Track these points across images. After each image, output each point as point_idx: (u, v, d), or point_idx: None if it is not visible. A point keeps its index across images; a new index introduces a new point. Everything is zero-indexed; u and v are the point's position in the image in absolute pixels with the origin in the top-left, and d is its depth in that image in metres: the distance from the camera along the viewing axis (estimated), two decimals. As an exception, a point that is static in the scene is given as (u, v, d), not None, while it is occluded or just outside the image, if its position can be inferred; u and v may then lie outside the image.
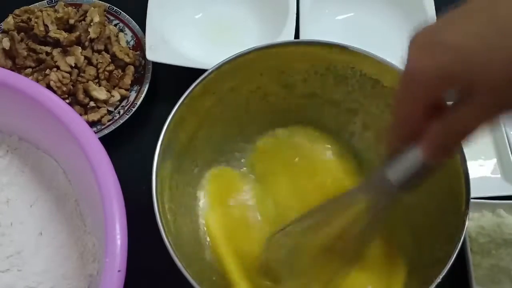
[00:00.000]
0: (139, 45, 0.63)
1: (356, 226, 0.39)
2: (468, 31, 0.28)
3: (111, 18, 0.64)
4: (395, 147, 0.34)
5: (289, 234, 0.44)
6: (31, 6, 0.63)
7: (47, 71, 0.58)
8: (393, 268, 0.47)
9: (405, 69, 0.30)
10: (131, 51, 0.62)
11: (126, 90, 0.60)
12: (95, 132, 0.55)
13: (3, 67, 0.57)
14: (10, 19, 0.60)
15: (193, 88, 0.46)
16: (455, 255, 0.39)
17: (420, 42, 0.30)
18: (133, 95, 0.60)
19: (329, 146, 0.54)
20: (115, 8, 0.64)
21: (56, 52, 0.58)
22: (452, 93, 0.30)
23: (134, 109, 0.58)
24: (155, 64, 0.60)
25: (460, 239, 0.40)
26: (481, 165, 0.57)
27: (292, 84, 0.51)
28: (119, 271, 0.37)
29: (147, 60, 0.60)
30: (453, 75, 0.28)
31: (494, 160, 0.57)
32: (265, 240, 0.46)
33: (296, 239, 0.44)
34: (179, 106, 0.45)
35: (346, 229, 0.40)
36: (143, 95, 0.59)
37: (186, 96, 0.45)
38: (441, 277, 0.38)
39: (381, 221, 0.40)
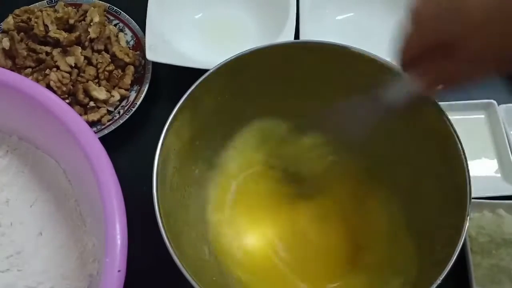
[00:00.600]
0: (139, 45, 0.63)
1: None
2: None
3: (111, 18, 0.64)
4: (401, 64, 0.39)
5: None
6: (31, 6, 0.63)
7: (47, 71, 0.58)
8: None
9: (412, 8, 0.35)
10: (131, 51, 0.62)
11: (126, 90, 0.60)
12: (95, 132, 0.55)
13: (3, 67, 0.57)
14: (10, 19, 0.60)
15: (194, 88, 0.46)
16: (455, 256, 0.39)
17: None
18: (133, 95, 0.60)
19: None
20: (115, 8, 0.64)
21: (56, 52, 0.58)
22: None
23: (134, 109, 0.58)
24: (155, 64, 0.60)
25: (461, 240, 0.40)
26: (481, 165, 0.57)
27: (293, 84, 0.51)
28: (119, 271, 0.37)
29: (147, 60, 0.60)
30: (447, 25, 0.33)
31: (494, 160, 0.57)
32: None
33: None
34: (180, 106, 0.45)
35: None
36: (143, 95, 0.59)
37: (187, 96, 0.45)
38: (441, 278, 0.38)
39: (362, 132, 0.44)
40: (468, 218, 0.41)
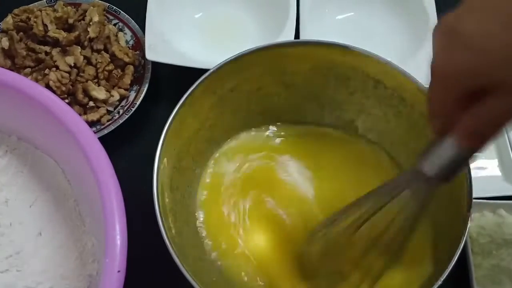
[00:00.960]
0: (138, 45, 0.63)
1: (395, 221, 0.39)
2: (488, 26, 0.28)
3: (111, 17, 0.64)
4: (437, 132, 0.34)
5: (328, 231, 0.44)
6: (30, 6, 0.63)
7: (46, 71, 0.57)
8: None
9: (432, 64, 0.31)
10: (130, 50, 0.62)
11: (126, 89, 0.60)
12: (95, 132, 0.55)
13: (2, 67, 0.57)
14: (9, 19, 0.60)
15: (194, 88, 0.46)
16: (456, 257, 0.39)
17: (441, 32, 0.30)
18: (132, 95, 0.60)
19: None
20: (114, 7, 0.64)
21: (55, 52, 0.58)
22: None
23: (133, 109, 0.58)
24: (155, 64, 0.60)
25: (462, 241, 0.39)
26: (482, 165, 0.57)
27: (294, 84, 0.51)
28: (118, 271, 0.37)
29: (147, 59, 0.60)
30: (478, 73, 0.29)
31: (495, 161, 0.57)
32: (306, 236, 0.46)
33: (335, 235, 0.43)
34: (180, 106, 0.45)
35: (385, 225, 0.40)
36: (142, 95, 0.59)
37: (187, 96, 0.45)
38: (442, 279, 0.38)
39: (419, 215, 0.39)
40: (469, 218, 0.41)
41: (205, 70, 0.47)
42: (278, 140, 0.54)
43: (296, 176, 0.52)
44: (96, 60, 0.59)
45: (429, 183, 0.36)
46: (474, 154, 0.34)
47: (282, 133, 0.54)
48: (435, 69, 0.31)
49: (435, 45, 0.30)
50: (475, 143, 0.32)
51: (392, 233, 0.40)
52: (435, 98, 0.32)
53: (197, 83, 0.46)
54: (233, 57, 0.47)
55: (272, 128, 0.54)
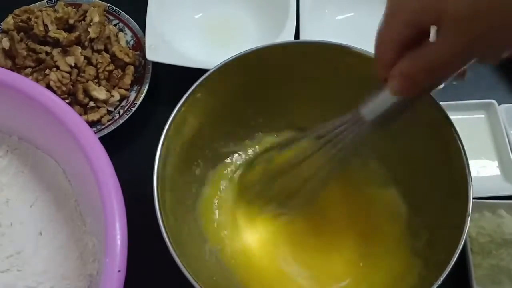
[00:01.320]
0: (139, 45, 0.63)
1: (330, 161, 0.41)
2: None
3: (111, 18, 0.64)
4: (380, 80, 0.35)
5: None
6: (31, 6, 0.63)
7: (47, 71, 0.58)
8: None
9: (386, 7, 0.32)
10: (131, 51, 0.62)
11: (126, 90, 0.60)
12: (95, 132, 0.55)
13: (3, 67, 0.57)
14: (9, 19, 0.60)
15: (194, 88, 0.46)
16: (456, 257, 0.39)
17: None
18: (133, 95, 0.60)
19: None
20: (115, 8, 0.64)
21: (55, 52, 0.58)
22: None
23: (134, 109, 0.58)
24: (155, 64, 0.60)
25: (462, 241, 0.40)
26: (481, 165, 0.57)
27: (295, 84, 0.51)
28: (119, 271, 0.37)
29: (147, 60, 0.60)
30: (425, 7, 0.29)
31: (494, 160, 0.58)
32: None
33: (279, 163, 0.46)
34: (180, 106, 0.45)
35: (320, 164, 0.42)
36: (143, 95, 0.59)
37: (187, 96, 0.45)
38: (442, 279, 0.38)
39: (349, 158, 0.42)
40: (469, 218, 0.41)
41: (205, 70, 0.47)
42: (277, 149, 0.54)
43: (294, 180, 0.52)
44: (96, 60, 0.59)
45: (366, 127, 0.37)
46: (409, 102, 0.34)
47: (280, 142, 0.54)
48: (387, 10, 0.32)
49: None
50: (408, 91, 0.32)
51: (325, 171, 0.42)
52: (382, 40, 0.33)
53: (197, 83, 0.46)
54: (234, 57, 0.47)
55: (270, 137, 0.55)
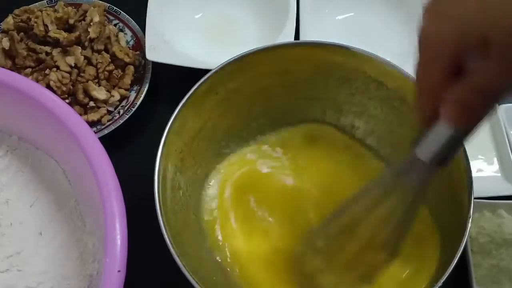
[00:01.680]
0: (139, 45, 0.63)
1: (394, 215, 0.39)
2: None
3: (111, 18, 0.64)
4: (424, 119, 0.33)
5: (326, 230, 0.44)
6: (31, 6, 0.63)
7: (47, 71, 0.58)
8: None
9: (420, 35, 0.31)
10: (131, 51, 0.62)
11: (126, 90, 0.60)
12: (95, 132, 0.55)
13: (3, 67, 0.57)
14: (9, 19, 0.60)
15: (196, 88, 0.46)
16: (457, 258, 0.39)
17: (433, 8, 0.30)
18: (133, 95, 0.60)
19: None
20: (115, 8, 0.64)
21: (56, 52, 0.58)
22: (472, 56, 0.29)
23: (134, 109, 0.58)
24: (155, 64, 0.60)
25: (463, 241, 0.39)
26: (481, 165, 0.57)
27: (296, 85, 0.51)
28: (119, 271, 0.37)
29: (147, 60, 0.60)
30: (467, 32, 0.28)
31: (495, 160, 0.58)
32: (304, 233, 0.46)
33: (333, 234, 0.43)
34: (182, 106, 0.45)
35: (384, 219, 0.39)
36: (143, 95, 0.59)
37: (189, 96, 0.45)
38: (442, 280, 0.38)
39: (418, 206, 0.39)
40: (470, 219, 0.41)
41: (205, 71, 0.47)
42: (278, 149, 0.54)
43: (294, 181, 0.52)
44: (96, 60, 0.59)
45: (425, 170, 0.35)
46: (467, 133, 0.33)
47: (281, 142, 0.54)
48: (424, 41, 0.30)
49: (424, 18, 0.30)
50: (466, 119, 0.31)
51: (392, 226, 0.39)
52: (423, 74, 0.31)
53: (199, 83, 0.46)
54: (236, 57, 0.47)
55: (271, 137, 0.54)
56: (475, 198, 0.42)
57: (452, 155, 0.34)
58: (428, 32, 0.30)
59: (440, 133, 0.32)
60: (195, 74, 0.48)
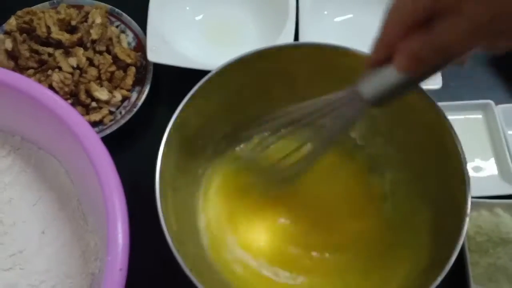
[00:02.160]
0: (140, 46, 0.63)
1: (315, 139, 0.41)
2: None
3: (113, 19, 0.64)
4: (374, 61, 0.34)
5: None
6: (34, 8, 0.63)
7: (49, 72, 0.58)
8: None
9: None
10: (132, 52, 0.62)
11: (128, 90, 0.60)
12: (97, 132, 0.55)
13: (6, 68, 0.57)
14: (12, 21, 0.60)
15: (197, 89, 0.46)
16: (454, 257, 0.39)
17: None
18: (134, 95, 0.60)
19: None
20: (116, 9, 0.65)
21: (58, 53, 0.59)
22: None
23: (135, 110, 0.58)
24: (156, 65, 0.60)
25: (460, 240, 0.40)
26: (479, 164, 0.57)
27: (296, 85, 0.51)
28: (120, 269, 0.37)
29: (148, 61, 0.60)
30: None
31: (492, 159, 0.58)
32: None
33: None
34: (183, 106, 0.45)
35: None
36: (144, 96, 0.59)
37: (190, 97, 0.45)
38: (440, 279, 0.39)
39: (344, 131, 0.41)
40: (467, 218, 0.41)
41: (206, 71, 0.47)
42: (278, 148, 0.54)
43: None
44: (98, 61, 0.59)
45: (362, 106, 0.37)
46: (411, 83, 0.34)
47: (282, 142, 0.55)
48: None
49: None
50: (415, 70, 0.32)
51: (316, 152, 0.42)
52: (391, 20, 0.32)
53: (200, 83, 0.46)
54: (237, 58, 0.47)
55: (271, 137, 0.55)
56: (472, 197, 0.42)
57: (392, 98, 0.36)
58: None
59: (387, 76, 0.34)
60: (196, 74, 0.49)
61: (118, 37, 0.63)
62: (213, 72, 0.47)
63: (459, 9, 0.28)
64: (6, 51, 0.60)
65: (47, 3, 0.65)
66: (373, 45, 0.34)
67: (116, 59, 0.60)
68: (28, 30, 0.60)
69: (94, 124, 0.58)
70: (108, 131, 0.57)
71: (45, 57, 0.59)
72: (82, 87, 0.58)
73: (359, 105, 0.37)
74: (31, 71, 0.59)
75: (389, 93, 0.35)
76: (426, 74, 0.34)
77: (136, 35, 0.64)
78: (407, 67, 0.32)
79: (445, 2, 0.29)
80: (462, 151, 0.43)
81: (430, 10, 0.30)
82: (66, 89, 0.57)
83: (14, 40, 0.59)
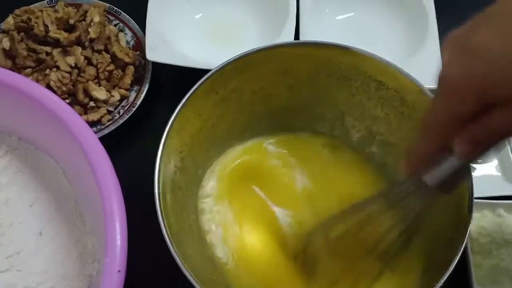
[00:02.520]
0: (139, 45, 0.63)
1: (393, 229, 0.40)
2: (501, 37, 0.27)
3: (111, 18, 0.64)
4: (425, 158, 0.34)
5: (326, 233, 0.45)
6: (31, 6, 0.63)
7: (47, 71, 0.58)
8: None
9: (441, 77, 0.30)
10: (131, 51, 0.62)
11: (126, 90, 0.60)
12: (95, 132, 0.55)
13: (3, 67, 0.57)
14: (10, 19, 0.60)
15: (196, 88, 0.46)
16: (457, 259, 0.39)
17: (453, 46, 0.29)
18: (133, 95, 0.60)
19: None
20: (115, 8, 0.65)
21: (56, 52, 0.58)
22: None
23: (134, 109, 0.58)
24: (155, 64, 0.60)
25: (463, 244, 0.39)
26: (481, 165, 0.57)
27: (296, 85, 0.51)
28: (119, 271, 0.37)
29: (147, 60, 0.60)
30: (488, 86, 0.28)
31: (495, 160, 0.57)
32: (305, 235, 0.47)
33: (334, 238, 0.44)
34: (182, 106, 0.45)
35: (383, 232, 0.40)
36: (143, 95, 0.59)
37: (189, 96, 0.45)
38: (443, 281, 0.38)
39: (416, 224, 0.40)
40: (471, 220, 0.41)
41: (205, 71, 0.47)
42: (278, 149, 0.54)
43: (294, 182, 0.52)
44: (96, 60, 0.59)
45: (430, 195, 0.36)
46: (472, 165, 0.34)
47: (282, 142, 0.54)
48: (447, 81, 0.30)
49: (446, 58, 0.30)
50: (478, 154, 0.32)
51: (390, 240, 0.41)
52: (439, 112, 0.31)
53: (199, 82, 0.46)
54: (236, 57, 0.47)
55: (271, 138, 0.55)
56: (475, 198, 0.42)
57: (458, 183, 0.36)
58: (453, 73, 0.29)
59: (448, 165, 0.34)
60: (195, 74, 0.48)
61: (117, 36, 0.62)
62: (213, 71, 0.46)
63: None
64: (4, 50, 0.59)
65: (45, 1, 0.65)
66: (423, 139, 0.34)
67: (114, 58, 0.60)
68: (25, 29, 0.60)
69: (92, 123, 0.57)
70: (106, 131, 0.56)
71: (42, 56, 0.58)
72: (80, 86, 0.58)
73: (427, 195, 0.37)
74: (28, 70, 0.59)
75: (454, 178, 0.35)
76: (487, 153, 0.33)
77: (134, 34, 0.63)
78: (469, 155, 0.32)
79: (498, 98, 0.28)
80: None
81: (484, 100, 0.29)
82: (64, 88, 0.57)
83: (12, 39, 0.59)
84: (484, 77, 0.28)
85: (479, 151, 0.31)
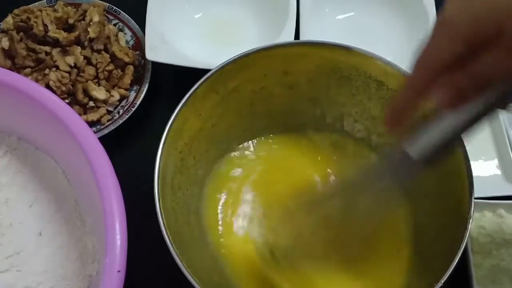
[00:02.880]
0: (138, 45, 0.63)
1: (374, 205, 0.40)
2: None
3: (111, 17, 0.64)
4: (407, 110, 0.33)
5: (309, 213, 0.45)
6: (31, 6, 0.63)
7: (47, 71, 0.58)
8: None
9: (439, 17, 0.31)
10: (130, 50, 0.62)
11: (126, 90, 0.60)
12: (95, 132, 0.55)
13: (2, 67, 0.57)
14: (9, 19, 0.60)
15: (196, 88, 0.46)
16: (457, 259, 0.39)
17: None
18: (132, 95, 0.60)
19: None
20: (114, 7, 0.64)
21: (55, 52, 0.58)
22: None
23: (133, 109, 0.58)
24: (155, 64, 0.60)
25: (463, 244, 0.39)
26: (481, 165, 0.57)
27: (296, 85, 0.51)
28: (118, 271, 0.37)
29: (147, 60, 0.60)
30: (484, 20, 0.28)
31: (495, 160, 0.58)
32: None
33: (315, 218, 0.44)
34: (182, 105, 0.45)
35: (364, 209, 0.40)
36: (142, 95, 0.59)
37: (189, 95, 0.45)
38: (442, 281, 0.38)
39: (398, 199, 0.40)
40: (470, 220, 0.41)
41: (205, 70, 0.47)
42: (279, 148, 0.54)
43: (294, 181, 0.52)
44: (96, 60, 0.59)
45: (413, 168, 0.35)
46: (457, 132, 0.33)
47: (282, 142, 0.54)
48: (443, 16, 0.30)
49: (447, 3, 0.30)
50: (454, 101, 0.30)
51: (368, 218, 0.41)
52: (425, 60, 0.31)
53: (199, 82, 0.46)
54: (236, 57, 0.47)
55: (271, 138, 0.55)
56: (475, 198, 0.42)
57: (442, 154, 0.34)
58: (452, 7, 0.30)
59: (433, 130, 0.33)
60: (195, 74, 0.48)
61: (116, 35, 0.62)
62: (213, 71, 0.46)
63: (498, 42, 0.28)
64: (3, 49, 0.59)
65: (44, 1, 0.65)
66: (410, 78, 0.33)
67: (114, 58, 0.60)
68: (25, 29, 0.60)
69: (91, 123, 0.57)
70: (106, 131, 0.56)
71: (42, 56, 0.58)
72: (79, 86, 0.58)
73: (412, 168, 0.35)
74: (28, 70, 0.58)
75: (439, 149, 0.33)
76: (471, 122, 0.32)
77: (134, 34, 0.63)
78: (446, 102, 0.31)
79: (484, 33, 0.29)
80: (466, 151, 0.42)
81: (468, 45, 0.29)
82: (63, 88, 0.57)
83: (11, 39, 0.59)
84: (481, 8, 0.28)
85: (460, 98, 0.30)
